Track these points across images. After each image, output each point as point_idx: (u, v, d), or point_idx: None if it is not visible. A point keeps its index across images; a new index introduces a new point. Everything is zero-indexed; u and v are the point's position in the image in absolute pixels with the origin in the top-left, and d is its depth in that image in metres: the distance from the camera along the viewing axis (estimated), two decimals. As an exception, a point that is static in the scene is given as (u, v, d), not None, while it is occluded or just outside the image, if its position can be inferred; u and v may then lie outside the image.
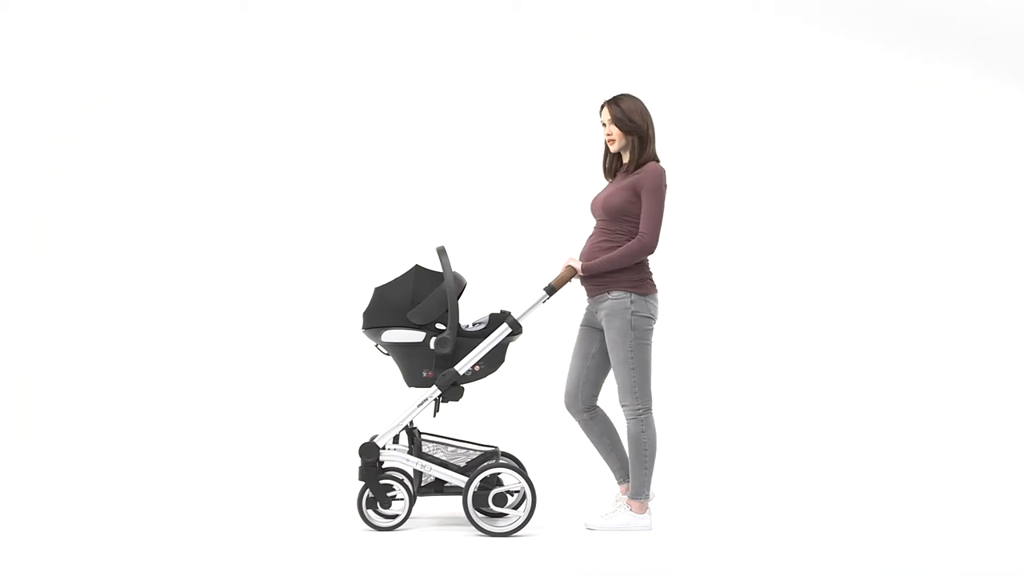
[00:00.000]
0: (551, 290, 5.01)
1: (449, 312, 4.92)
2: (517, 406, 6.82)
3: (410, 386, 5.05)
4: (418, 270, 5.01)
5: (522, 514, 4.88)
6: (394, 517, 4.99)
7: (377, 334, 4.98)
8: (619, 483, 5.17)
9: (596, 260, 4.96)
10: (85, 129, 7.18)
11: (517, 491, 4.94)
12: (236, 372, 7.03)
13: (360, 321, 5.03)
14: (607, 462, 5.18)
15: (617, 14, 7.53)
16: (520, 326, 5.00)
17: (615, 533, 4.95)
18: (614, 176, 5.14)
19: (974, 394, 7.35)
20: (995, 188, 7.70)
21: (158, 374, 6.98)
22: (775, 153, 7.60)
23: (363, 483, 4.95)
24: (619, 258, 4.91)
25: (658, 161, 5.03)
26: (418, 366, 4.98)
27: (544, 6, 7.52)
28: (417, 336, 4.94)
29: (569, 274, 5.02)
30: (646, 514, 5.02)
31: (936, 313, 7.53)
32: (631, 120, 4.97)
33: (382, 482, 4.95)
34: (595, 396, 5.16)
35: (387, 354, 5.08)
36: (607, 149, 5.11)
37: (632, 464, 5.00)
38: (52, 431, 6.74)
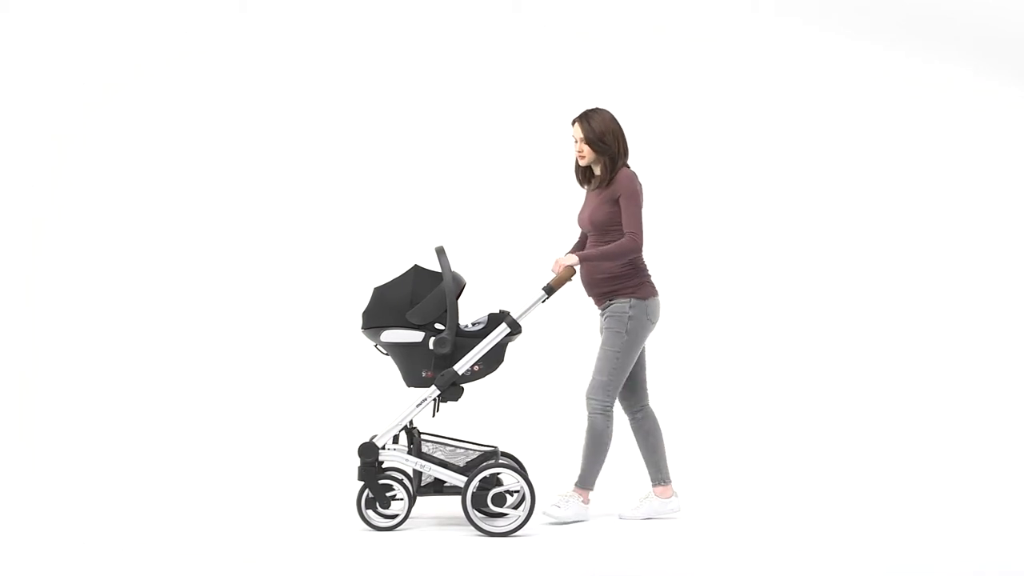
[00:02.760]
0: (550, 290, 5.01)
1: (448, 312, 4.92)
2: (517, 406, 6.81)
3: (409, 386, 5.05)
4: (417, 270, 5.01)
5: (521, 514, 4.88)
6: (393, 517, 4.99)
7: (376, 334, 4.98)
8: (663, 484, 5.27)
9: (592, 251, 5.05)
10: (85, 129, 7.18)
11: (516, 491, 4.94)
12: (236, 372, 7.02)
13: (359, 321, 5.03)
14: (651, 464, 5.27)
15: (617, 14, 7.53)
16: (519, 326, 5.01)
17: (615, 532, 4.96)
18: (588, 182, 5.24)
19: (973, 393, 7.34)
20: (995, 188, 7.69)
21: (158, 374, 6.98)
22: (775, 153, 7.59)
23: (362, 483, 4.95)
24: (612, 252, 5.02)
25: (628, 166, 5.14)
26: (417, 366, 4.98)
27: (544, 6, 7.52)
28: (416, 336, 4.95)
29: (568, 274, 5.03)
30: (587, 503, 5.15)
31: (936, 313, 7.52)
32: (603, 142, 5.06)
33: (381, 482, 4.95)
34: (644, 396, 5.28)
35: (386, 354, 5.08)
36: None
37: (587, 455, 5.11)
38: (52, 431, 6.74)
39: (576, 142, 5.13)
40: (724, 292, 7.43)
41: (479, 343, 4.97)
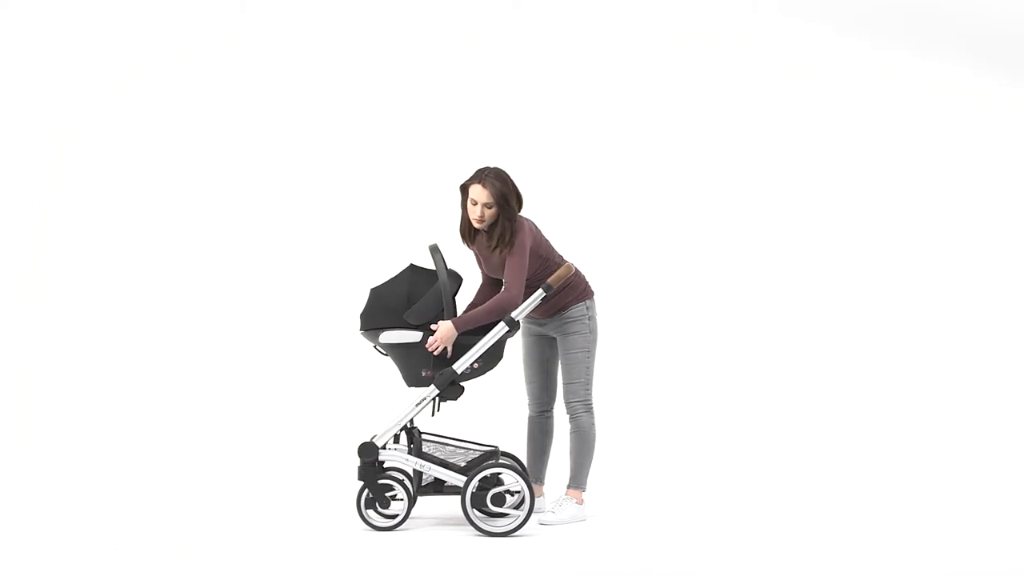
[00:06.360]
0: (548, 288, 5.01)
1: (445, 311, 4.92)
2: (517, 406, 6.80)
3: (409, 386, 5.05)
4: (413, 269, 5.01)
5: (521, 514, 4.88)
6: (394, 517, 4.98)
7: (375, 336, 4.98)
8: (541, 483, 5.31)
9: (469, 315, 4.94)
10: (85, 129, 7.18)
11: (517, 491, 4.93)
12: (236, 372, 7.03)
13: (358, 323, 5.02)
14: (537, 463, 5.29)
15: (617, 13, 7.53)
16: (517, 324, 5.00)
17: (615, 532, 4.97)
18: (473, 241, 5.11)
19: (971, 394, 7.34)
20: (995, 188, 7.69)
21: (158, 374, 6.98)
22: (774, 153, 7.59)
23: (362, 483, 4.95)
24: (492, 310, 4.93)
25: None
26: (416, 366, 4.97)
27: (544, 5, 7.52)
28: (415, 336, 4.94)
29: (566, 273, 5.03)
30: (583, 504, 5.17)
31: (934, 314, 7.52)
32: (509, 204, 4.94)
33: (381, 482, 4.95)
34: (554, 400, 5.35)
35: (386, 354, 5.08)
36: (466, 218, 5.03)
37: (578, 455, 5.15)
38: (52, 431, 6.74)
39: (474, 206, 4.94)
40: (724, 292, 7.43)
41: (478, 341, 4.97)
